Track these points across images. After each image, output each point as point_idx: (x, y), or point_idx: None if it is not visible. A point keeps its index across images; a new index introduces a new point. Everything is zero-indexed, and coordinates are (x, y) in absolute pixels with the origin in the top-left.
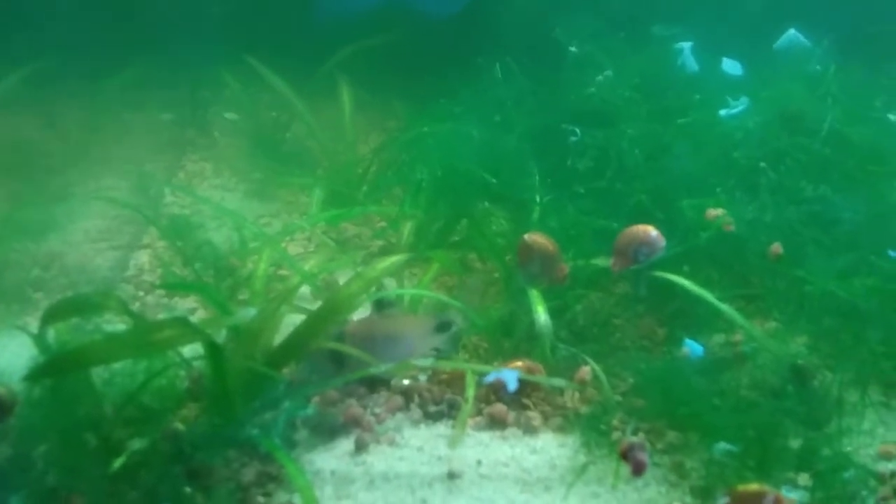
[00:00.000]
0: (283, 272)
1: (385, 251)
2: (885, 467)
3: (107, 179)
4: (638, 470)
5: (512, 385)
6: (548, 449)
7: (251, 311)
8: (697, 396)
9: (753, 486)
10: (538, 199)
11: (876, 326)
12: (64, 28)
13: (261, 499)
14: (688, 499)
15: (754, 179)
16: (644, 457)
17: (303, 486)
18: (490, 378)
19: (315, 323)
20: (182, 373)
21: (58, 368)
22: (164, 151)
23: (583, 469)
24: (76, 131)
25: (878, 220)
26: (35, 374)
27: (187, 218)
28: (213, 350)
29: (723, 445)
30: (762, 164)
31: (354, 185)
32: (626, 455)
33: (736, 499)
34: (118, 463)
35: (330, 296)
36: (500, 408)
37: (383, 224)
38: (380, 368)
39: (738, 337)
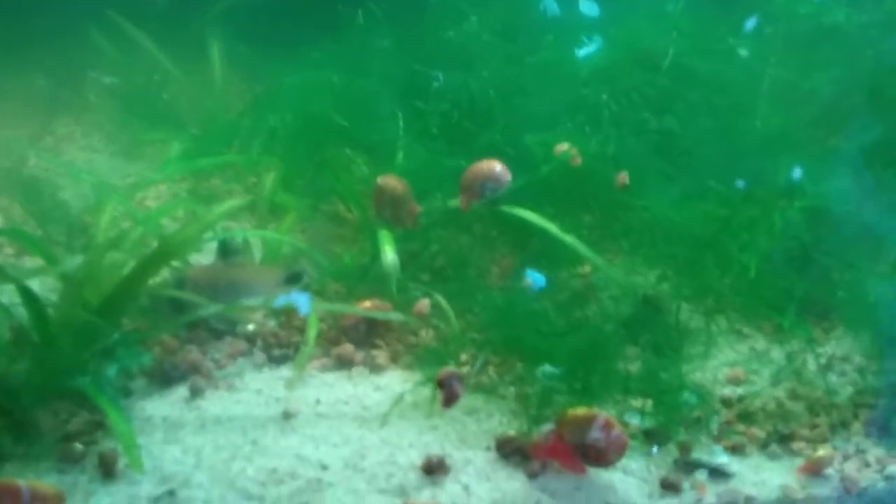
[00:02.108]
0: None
1: (250, 204)
2: (734, 391)
3: None
4: (448, 400)
5: (304, 309)
6: (392, 385)
7: (77, 259)
8: (538, 326)
9: (582, 410)
10: (398, 142)
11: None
12: None
13: (80, 446)
14: (525, 427)
15: (601, 114)
16: (458, 388)
17: (123, 431)
18: (279, 302)
19: (147, 267)
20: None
21: None
22: (35, 115)
23: (430, 402)
24: None
25: (723, 150)
26: None
27: (41, 180)
28: (28, 297)
29: (547, 368)
30: (604, 97)
31: (223, 139)
32: (441, 384)
33: (564, 424)
34: None
35: (162, 239)
36: (347, 348)
37: (254, 180)
38: (208, 310)
39: (587, 269)
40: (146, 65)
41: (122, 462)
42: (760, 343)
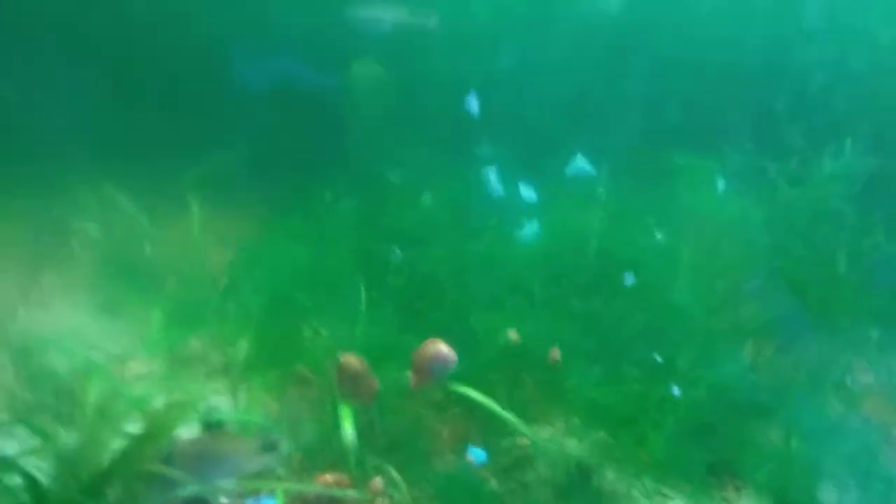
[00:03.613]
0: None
1: (224, 367)
2: None
3: None
4: None
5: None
6: None
7: (72, 439)
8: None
9: None
10: (358, 316)
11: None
12: None
13: None
14: None
15: (538, 296)
16: None
17: None
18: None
19: (136, 447)
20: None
21: None
22: (22, 266)
23: None
24: None
25: (640, 329)
26: None
27: (30, 343)
28: (32, 483)
29: None
30: (536, 286)
31: (200, 304)
32: None
33: None
34: None
35: (149, 421)
36: None
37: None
38: (193, 489)
39: (524, 441)
40: (126, 219)
41: None
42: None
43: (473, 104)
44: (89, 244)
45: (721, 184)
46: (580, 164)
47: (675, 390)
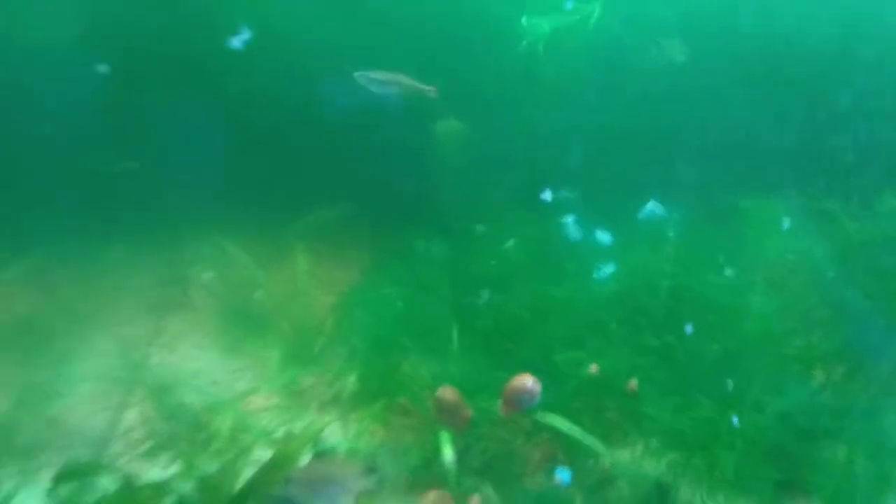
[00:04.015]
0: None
1: (334, 399)
2: None
3: (100, 344)
4: None
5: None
6: None
7: (213, 467)
8: None
9: None
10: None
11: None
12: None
13: None
14: None
15: (615, 332)
16: None
17: None
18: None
19: (264, 475)
20: None
21: None
22: (149, 313)
23: None
24: (76, 303)
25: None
26: None
27: (163, 381)
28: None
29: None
30: (613, 324)
31: (309, 342)
32: None
33: None
34: None
35: (275, 453)
36: None
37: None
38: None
39: (607, 463)
40: (237, 267)
41: None
42: None
43: None
44: (209, 292)
45: (786, 222)
46: (653, 207)
47: (735, 420)
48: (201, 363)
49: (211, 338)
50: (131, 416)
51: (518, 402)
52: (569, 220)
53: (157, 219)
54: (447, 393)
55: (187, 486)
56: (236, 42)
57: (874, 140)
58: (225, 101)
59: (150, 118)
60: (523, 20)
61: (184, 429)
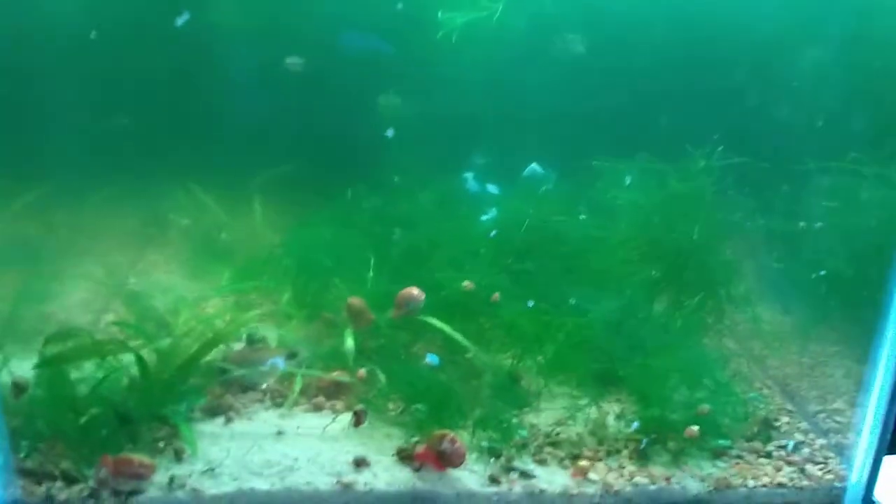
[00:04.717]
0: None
1: (272, 307)
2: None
3: (88, 266)
4: (357, 424)
5: (280, 365)
6: (343, 420)
7: (166, 341)
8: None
9: (439, 431)
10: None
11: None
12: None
13: (162, 444)
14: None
15: (488, 259)
16: (363, 416)
17: (188, 435)
18: (269, 363)
19: (206, 347)
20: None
21: (51, 362)
22: (131, 247)
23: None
24: (69, 233)
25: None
26: (39, 366)
27: (139, 293)
28: (140, 360)
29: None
30: (483, 251)
31: (258, 270)
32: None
33: (431, 439)
34: (83, 420)
35: (215, 332)
36: (319, 399)
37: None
38: (239, 373)
39: (470, 354)
40: (209, 212)
41: (186, 453)
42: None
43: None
44: (181, 231)
45: (628, 179)
46: (533, 168)
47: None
48: (170, 283)
49: (180, 266)
50: (110, 316)
51: (405, 306)
52: (468, 175)
53: (144, 169)
54: (355, 301)
55: (149, 349)
56: (179, 21)
57: (696, 117)
58: (205, 71)
59: (143, 82)
60: (439, 14)
61: (150, 324)
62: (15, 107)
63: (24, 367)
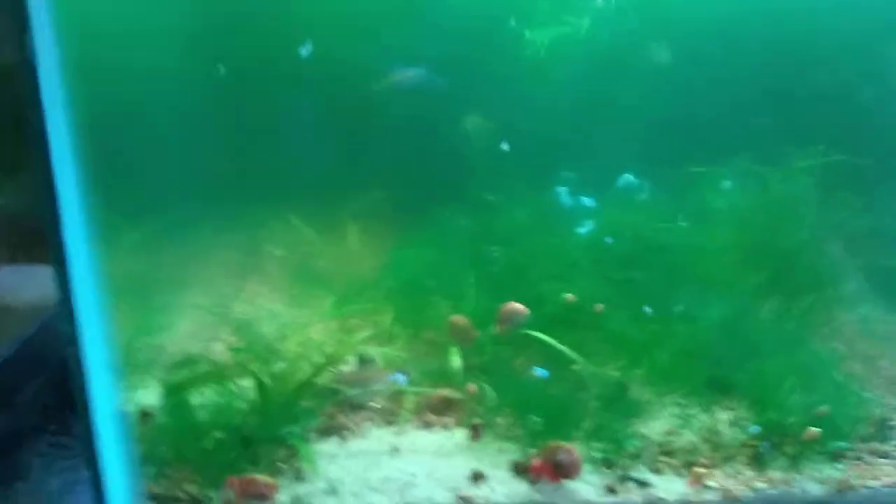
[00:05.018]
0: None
1: (375, 328)
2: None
3: (196, 297)
4: (474, 438)
5: (401, 381)
6: (456, 435)
7: (281, 364)
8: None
9: (554, 442)
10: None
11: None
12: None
13: (282, 464)
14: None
15: (590, 270)
16: (480, 432)
17: (307, 455)
18: (391, 377)
19: (318, 370)
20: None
21: (177, 388)
22: (233, 277)
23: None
24: (176, 266)
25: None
26: (165, 394)
27: (246, 320)
28: (259, 383)
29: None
30: (583, 262)
31: (359, 294)
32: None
33: (546, 451)
34: (207, 444)
35: (327, 356)
36: (430, 416)
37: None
38: (353, 392)
39: (577, 366)
40: (305, 239)
41: (306, 472)
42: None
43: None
44: (281, 261)
45: (728, 184)
46: (627, 178)
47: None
48: (273, 310)
49: (281, 294)
50: (219, 346)
51: (509, 321)
52: (562, 190)
53: (242, 201)
54: (458, 319)
55: (263, 374)
56: (304, 51)
57: (793, 117)
58: (295, 104)
59: (237, 119)
60: (526, 33)
61: (260, 350)
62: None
63: (143, 397)
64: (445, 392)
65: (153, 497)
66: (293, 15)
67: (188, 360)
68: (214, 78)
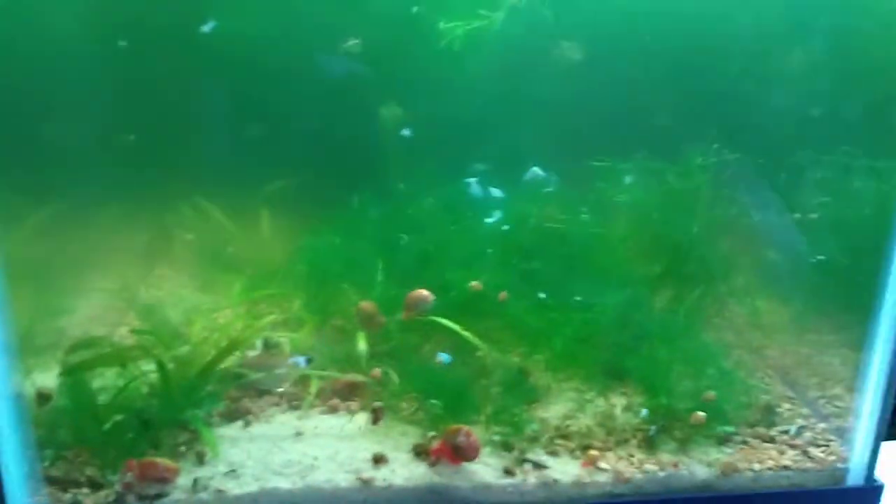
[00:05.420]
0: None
1: (283, 314)
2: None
3: (100, 281)
4: (375, 421)
5: (302, 363)
6: (358, 419)
7: (186, 348)
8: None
9: (454, 425)
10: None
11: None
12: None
13: (183, 448)
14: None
15: (495, 259)
16: (381, 414)
17: (209, 438)
18: (292, 360)
19: (223, 353)
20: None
21: (75, 370)
22: (141, 261)
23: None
24: (78, 249)
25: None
26: (64, 374)
27: (152, 305)
28: (161, 366)
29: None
30: (489, 252)
31: (268, 280)
32: (373, 412)
33: (447, 434)
34: (106, 427)
35: (231, 339)
36: (334, 401)
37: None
38: (257, 377)
39: (480, 353)
40: (214, 224)
41: (208, 456)
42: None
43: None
44: (188, 244)
45: (627, 179)
46: (534, 171)
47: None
48: (181, 295)
49: (190, 279)
50: (123, 329)
51: (415, 308)
52: (472, 181)
53: (151, 184)
54: (365, 305)
55: (166, 358)
56: (206, 29)
57: (691, 116)
58: (207, 86)
59: (148, 99)
60: (440, 24)
61: (165, 334)
62: (24, 123)
63: (42, 379)
64: (350, 377)
65: (51, 480)
66: None
67: (88, 342)
68: (120, 52)
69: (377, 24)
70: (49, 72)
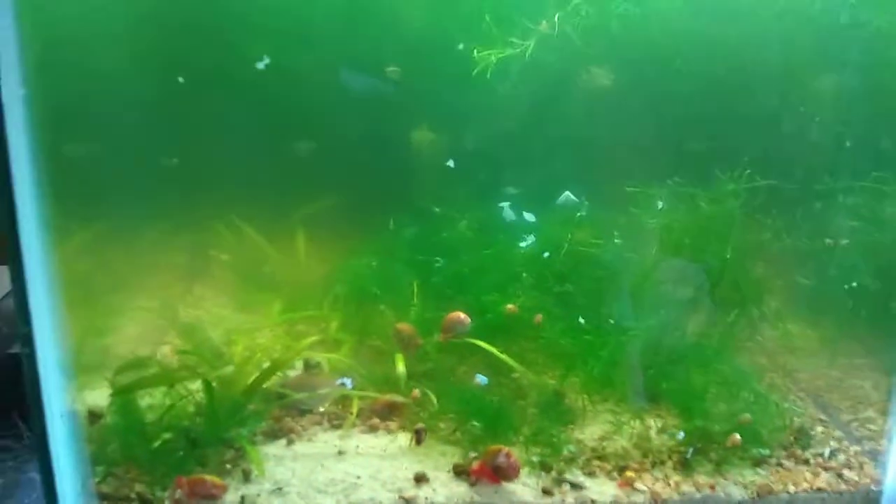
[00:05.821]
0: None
1: (322, 334)
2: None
3: (142, 301)
4: (417, 442)
5: (349, 385)
6: (400, 440)
7: (230, 368)
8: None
9: (494, 446)
10: (411, 303)
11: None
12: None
13: (229, 466)
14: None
15: (530, 283)
16: (423, 435)
17: (255, 457)
18: (340, 381)
19: (266, 373)
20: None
21: (126, 390)
22: (181, 281)
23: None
24: (124, 269)
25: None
26: (115, 393)
27: (192, 325)
28: (208, 386)
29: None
30: (524, 275)
31: (304, 298)
32: (415, 433)
33: (486, 454)
34: (155, 445)
35: (273, 360)
36: (374, 421)
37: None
38: (299, 396)
39: (517, 374)
40: (253, 245)
41: (253, 474)
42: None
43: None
44: (228, 267)
45: (659, 203)
46: (567, 196)
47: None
48: (220, 315)
49: (229, 299)
50: (166, 349)
51: (451, 330)
52: (505, 205)
53: (190, 206)
54: (403, 327)
55: (210, 377)
56: (260, 66)
57: (723, 142)
58: (246, 111)
59: (189, 123)
60: (474, 52)
61: (207, 354)
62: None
63: (91, 398)
64: (390, 397)
65: (102, 496)
66: (247, 24)
67: (136, 363)
68: (168, 82)
69: (412, 53)
70: (104, 97)
